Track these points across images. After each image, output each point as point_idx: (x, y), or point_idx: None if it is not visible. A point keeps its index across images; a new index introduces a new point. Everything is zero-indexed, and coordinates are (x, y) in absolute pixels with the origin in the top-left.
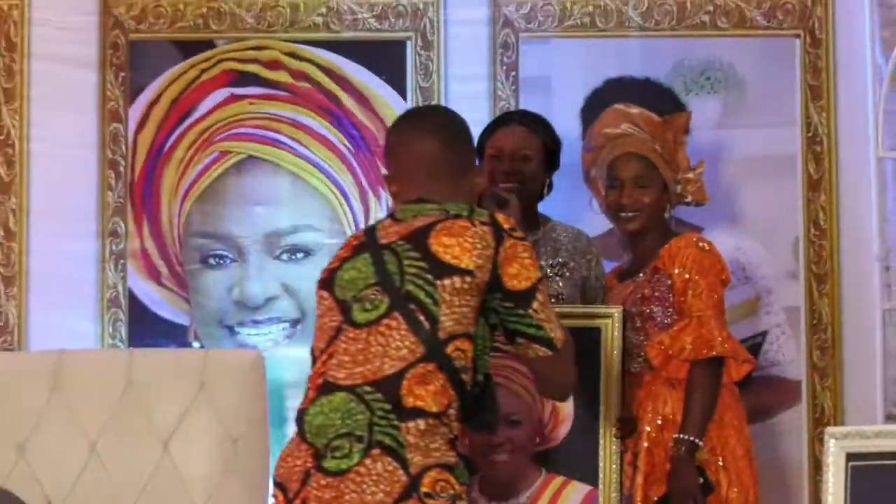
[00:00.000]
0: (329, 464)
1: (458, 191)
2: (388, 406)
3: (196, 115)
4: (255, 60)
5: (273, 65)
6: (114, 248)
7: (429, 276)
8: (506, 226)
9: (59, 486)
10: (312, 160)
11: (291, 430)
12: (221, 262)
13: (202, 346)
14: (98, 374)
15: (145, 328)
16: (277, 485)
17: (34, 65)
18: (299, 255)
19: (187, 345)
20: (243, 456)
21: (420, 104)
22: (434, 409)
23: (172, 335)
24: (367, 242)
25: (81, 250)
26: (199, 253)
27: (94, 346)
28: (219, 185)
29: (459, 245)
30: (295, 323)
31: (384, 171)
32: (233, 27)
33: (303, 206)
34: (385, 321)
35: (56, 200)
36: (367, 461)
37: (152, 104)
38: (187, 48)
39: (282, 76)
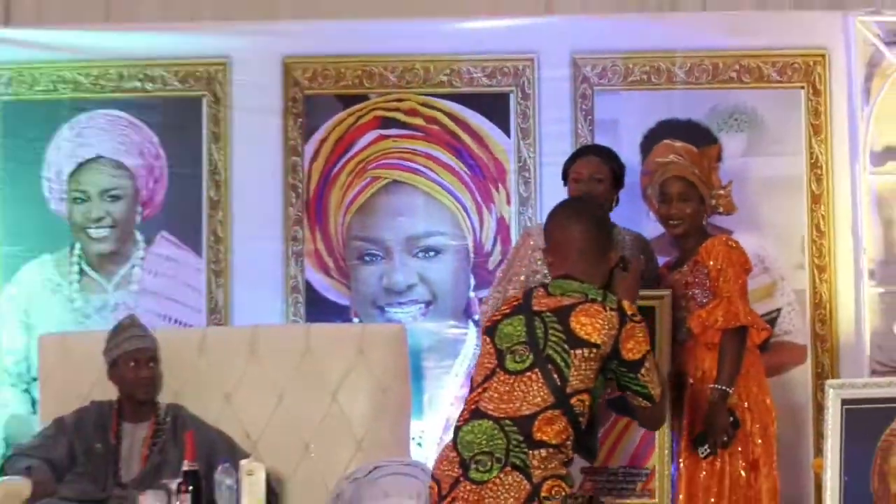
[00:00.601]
0: (474, 475)
1: (597, 269)
2: (521, 437)
3: (354, 150)
4: (397, 109)
5: (411, 112)
6: (294, 248)
7: (566, 346)
8: (629, 312)
9: (255, 425)
10: (440, 182)
11: (425, 383)
12: (374, 259)
13: (360, 321)
14: (284, 342)
15: (318, 308)
16: (434, 479)
17: (235, 114)
18: (431, 254)
19: (349, 320)
20: (390, 402)
21: (520, 142)
22: (555, 442)
23: (338, 313)
24: (523, 306)
25: (271, 250)
26: (357, 252)
27: (280, 322)
28: (371, 201)
29: (592, 325)
30: (428, 304)
31: (544, 245)
32: (381, 84)
33: (433, 217)
34: (528, 373)
35: (251, 214)
36: (502, 475)
37: (322, 142)
38: (347, 100)
39: (417, 120)
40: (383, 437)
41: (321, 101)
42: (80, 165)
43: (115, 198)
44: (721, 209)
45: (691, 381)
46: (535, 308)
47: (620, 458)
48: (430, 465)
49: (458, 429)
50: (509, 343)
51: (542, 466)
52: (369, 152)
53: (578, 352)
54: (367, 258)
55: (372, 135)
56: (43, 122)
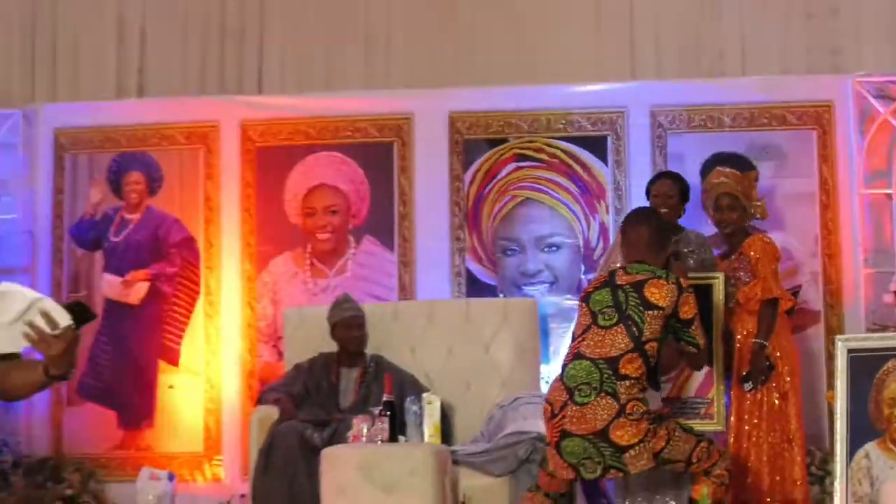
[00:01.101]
0: (578, 399)
1: (658, 257)
2: (610, 372)
3: (498, 177)
4: (528, 147)
5: (538, 150)
6: (458, 246)
7: (641, 308)
8: (684, 286)
9: (433, 370)
10: (559, 199)
11: (550, 339)
12: (513, 252)
13: (504, 297)
14: (451, 312)
15: (475, 288)
16: (548, 402)
17: (416, 153)
18: (553, 249)
19: (496, 296)
20: (527, 355)
21: (615, 170)
22: (634, 375)
23: (489, 291)
24: (609, 281)
25: (442, 247)
26: (502, 248)
27: (449, 297)
28: (511, 213)
29: (660, 293)
30: (551, 284)
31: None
32: (517, 131)
33: (555, 223)
34: (615, 328)
35: (428, 222)
36: (598, 399)
37: (476, 172)
38: (493, 143)
39: (542, 156)
40: (521, 377)
41: (475, 143)
42: (310, 190)
43: (335, 212)
44: (758, 216)
45: (738, 337)
46: (618, 283)
47: (689, 391)
48: None
49: (564, 366)
50: (600, 307)
51: (626, 392)
52: (509, 178)
53: (649, 312)
54: (508, 252)
55: (511, 166)
56: (284, 161)
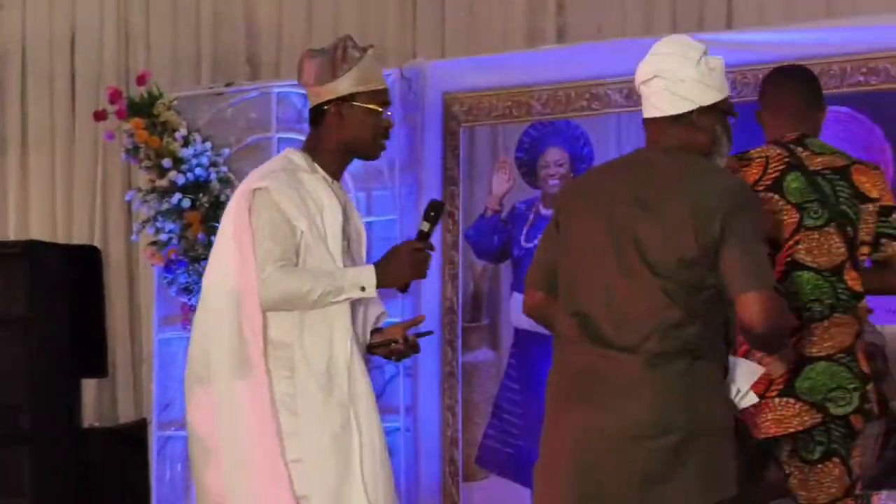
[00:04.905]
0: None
1: (817, 126)
2: (842, 286)
3: None
4: None
5: None
6: None
7: (854, 201)
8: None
9: None
10: None
11: None
12: None
13: None
14: None
15: None
16: None
17: None
18: None
19: None
20: None
21: None
22: (857, 289)
23: None
24: (795, 164)
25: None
26: None
27: None
28: None
29: (870, 182)
30: None
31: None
32: None
33: None
34: (826, 228)
35: None
36: (835, 316)
37: None
38: None
39: None
40: None
41: None
42: None
43: None
44: None
45: None
46: (811, 167)
47: None
48: None
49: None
50: (797, 198)
51: (856, 306)
52: None
53: (863, 206)
54: None
55: None
56: None
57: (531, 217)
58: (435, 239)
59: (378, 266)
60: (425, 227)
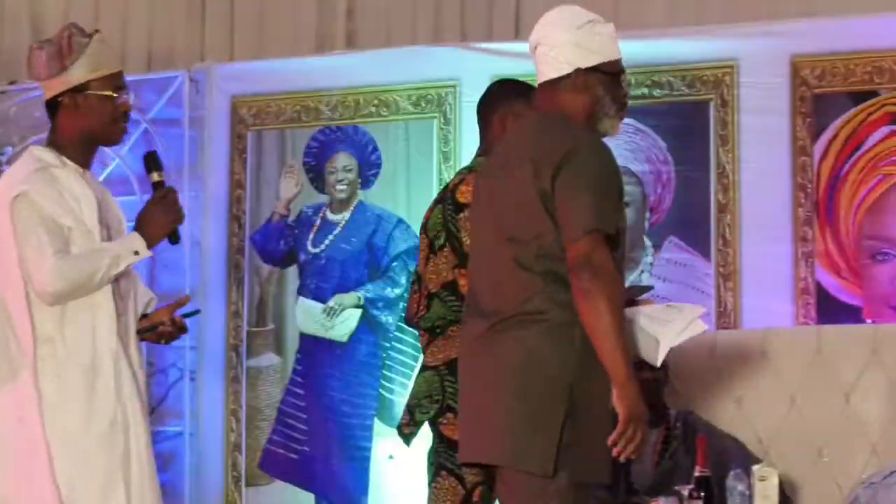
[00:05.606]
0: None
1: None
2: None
3: (864, 148)
4: None
5: None
6: (804, 249)
7: None
8: None
9: (767, 430)
10: None
11: None
12: (886, 258)
13: (873, 323)
14: (794, 345)
15: (829, 310)
16: None
17: (742, 116)
18: None
19: (861, 321)
20: None
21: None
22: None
23: (849, 314)
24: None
25: (779, 251)
26: (869, 251)
27: (790, 325)
28: (881, 200)
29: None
30: None
31: None
32: (892, 80)
33: None
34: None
35: (760, 216)
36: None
37: (831, 141)
38: (857, 97)
39: None
40: None
41: (829, 98)
42: None
43: (625, 204)
44: None
45: None
46: None
47: None
48: None
49: None
50: None
51: None
52: (879, 149)
53: None
54: (878, 257)
55: (882, 132)
56: None
57: (318, 222)
58: (220, 244)
59: (138, 229)
60: (155, 177)
